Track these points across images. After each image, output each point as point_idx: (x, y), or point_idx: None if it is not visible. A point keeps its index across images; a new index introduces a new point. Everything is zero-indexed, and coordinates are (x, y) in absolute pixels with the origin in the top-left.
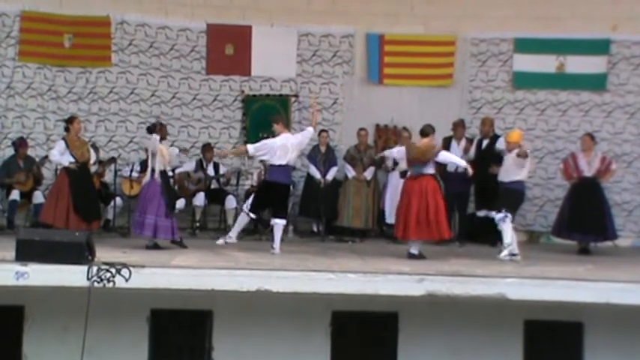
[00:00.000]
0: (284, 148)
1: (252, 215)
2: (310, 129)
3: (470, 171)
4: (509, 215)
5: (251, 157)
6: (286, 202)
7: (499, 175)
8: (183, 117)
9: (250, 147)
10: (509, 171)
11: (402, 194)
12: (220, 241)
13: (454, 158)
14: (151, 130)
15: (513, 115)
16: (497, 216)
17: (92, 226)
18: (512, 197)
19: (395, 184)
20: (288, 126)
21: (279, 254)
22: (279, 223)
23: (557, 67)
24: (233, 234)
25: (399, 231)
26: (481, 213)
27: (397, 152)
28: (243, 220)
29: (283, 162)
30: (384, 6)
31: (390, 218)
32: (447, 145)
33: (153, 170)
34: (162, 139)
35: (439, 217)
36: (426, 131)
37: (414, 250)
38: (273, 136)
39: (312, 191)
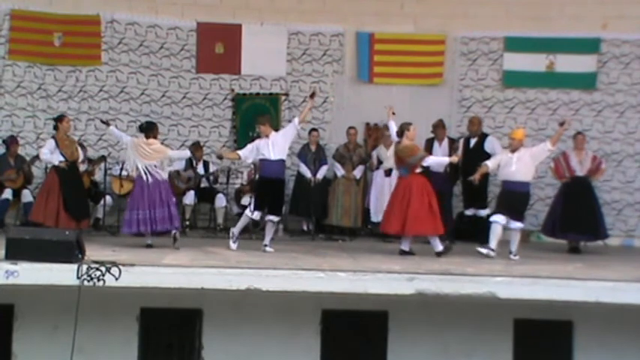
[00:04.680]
0: (275, 144)
1: (256, 216)
2: (296, 120)
3: (455, 159)
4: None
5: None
6: (282, 198)
7: (502, 174)
8: (173, 115)
9: (241, 153)
10: (520, 170)
11: (397, 191)
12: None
13: (439, 160)
14: (141, 128)
15: (503, 114)
16: (517, 225)
17: (82, 224)
18: (525, 200)
19: (380, 183)
20: (275, 126)
21: (271, 252)
22: (273, 220)
23: (547, 65)
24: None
25: (394, 226)
26: (469, 212)
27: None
28: (245, 220)
29: (277, 157)
30: (374, 5)
31: (376, 217)
32: (429, 147)
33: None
34: (150, 136)
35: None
36: (402, 129)
37: (405, 247)
38: (259, 137)
39: (303, 190)
